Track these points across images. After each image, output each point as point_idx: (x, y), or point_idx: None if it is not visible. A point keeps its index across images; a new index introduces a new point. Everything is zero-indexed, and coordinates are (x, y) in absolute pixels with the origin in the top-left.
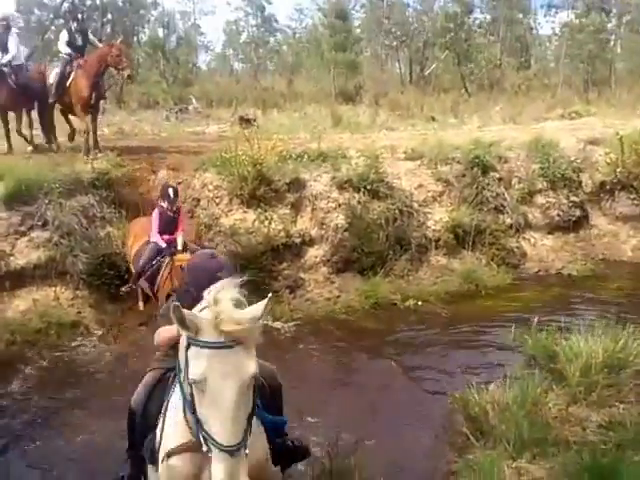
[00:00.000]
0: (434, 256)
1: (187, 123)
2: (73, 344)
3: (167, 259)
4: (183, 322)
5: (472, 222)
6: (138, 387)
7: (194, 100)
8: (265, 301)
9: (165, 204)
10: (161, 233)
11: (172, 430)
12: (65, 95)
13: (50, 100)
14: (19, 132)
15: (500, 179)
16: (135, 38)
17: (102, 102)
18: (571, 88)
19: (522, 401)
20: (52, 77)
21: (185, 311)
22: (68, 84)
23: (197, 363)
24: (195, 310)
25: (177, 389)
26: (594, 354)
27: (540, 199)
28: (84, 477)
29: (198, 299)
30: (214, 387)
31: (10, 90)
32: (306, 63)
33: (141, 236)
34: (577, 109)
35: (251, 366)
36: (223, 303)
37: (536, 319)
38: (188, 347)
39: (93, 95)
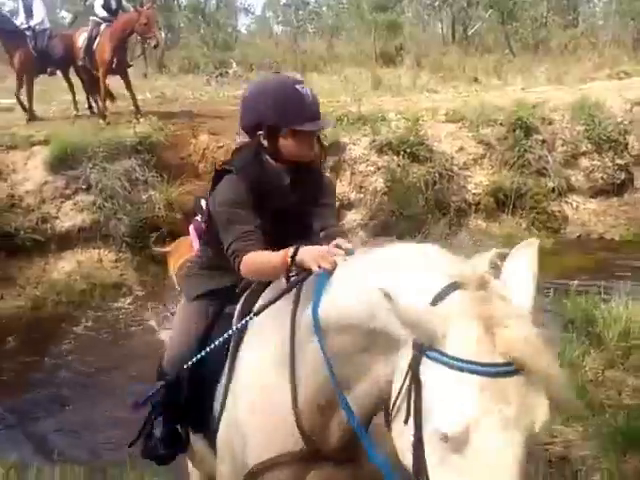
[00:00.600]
0: (473, 220)
1: (227, 87)
2: (116, 305)
3: None
4: (410, 319)
5: (513, 185)
6: (171, 339)
7: (234, 64)
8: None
9: (199, 217)
10: None
11: (261, 425)
12: (93, 59)
13: (79, 63)
14: (17, 97)
15: (543, 141)
16: (175, 2)
17: (129, 67)
18: (620, 47)
19: (558, 364)
20: (81, 40)
21: (405, 303)
22: (94, 48)
23: (449, 399)
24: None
25: (273, 344)
26: (633, 318)
27: (584, 162)
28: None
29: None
30: (484, 446)
31: (27, 54)
32: (346, 25)
33: (187, 253)
34: (625, 69)
35: (543, 408)
36: (492, 287)
37: (575, 283)
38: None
39: (115, 59)
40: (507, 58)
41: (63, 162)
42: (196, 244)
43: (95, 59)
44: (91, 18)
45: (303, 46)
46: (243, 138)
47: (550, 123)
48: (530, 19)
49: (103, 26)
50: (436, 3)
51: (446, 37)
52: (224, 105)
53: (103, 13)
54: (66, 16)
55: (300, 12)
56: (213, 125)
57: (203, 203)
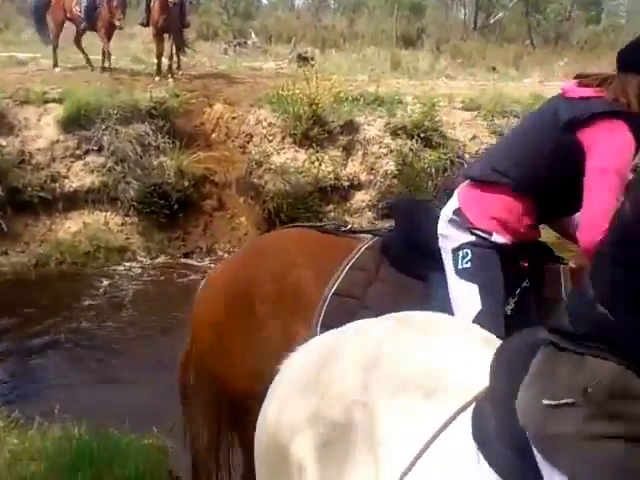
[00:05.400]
0: None
1: (245, 57)
2: (119, 268)
3: None
4: None
5: None
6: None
7: (253, 34)
8: None
9: None
10: None
11: None
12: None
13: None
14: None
15: None
16: None
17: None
18: None
19: None
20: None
21: None
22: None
23: None
24: None
25: None
26: None
27: None
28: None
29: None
30: None
31: None
32: (369, 2)
33: None
34: None
35: None
36: None
37: None
38: None
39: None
40: (527, 50)
41: (76, 122)
42: None
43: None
44: None
45: (324, 21)
46: None
47: None
48: (554, 12)
49: None
50: None
51: (468, 23)
52: (241, 75)
53: None
54: None
55: None
56: (228, 95)
57: None
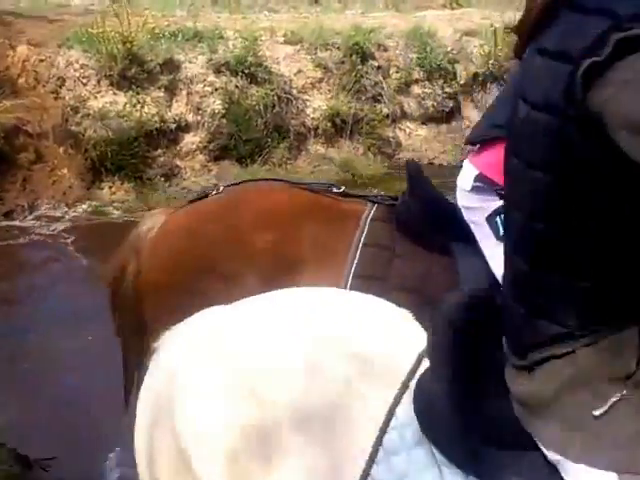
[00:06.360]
0: (312, 145)
1: None
2: None
3: None
4: None
5: (350, 111)
6: None
7: None
8: None
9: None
10: None
11: None
12: None
13: None
14: None
15: (379, 67)
16: None
17: None
18: None
19: None
20: None
21: None
22: None
23: None
24: None
25: None
26: None
27: (416, 89)
28: None
29: None
30: None
31: None
32: None
33: None
34: None
35: None
36: None
37: None
38: None
39: None
40: None
41: None
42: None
43: None
44: None
45: None
46: None
47: (385, 50)
48: None
49: None
50: None
51: None
52: (46, 13)
53: None
54: None
55: None
56: (33, 35)
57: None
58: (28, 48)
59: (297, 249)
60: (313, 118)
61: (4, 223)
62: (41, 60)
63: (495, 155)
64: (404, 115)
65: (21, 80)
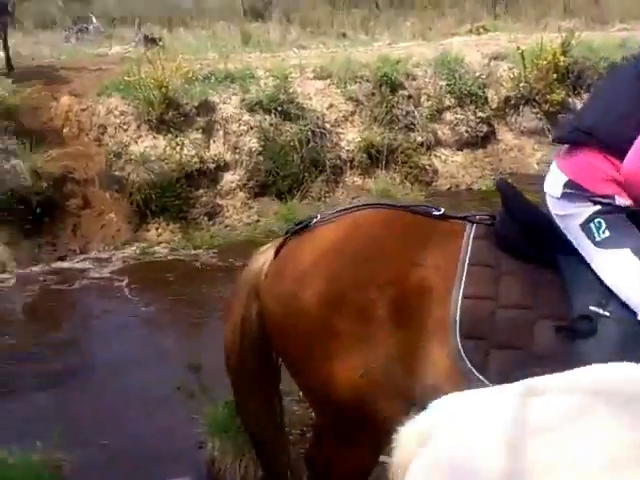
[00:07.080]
0: (349, 177)
1: (88, 44)
2: None
3: None
4: None
5: (384, 141)
6: None
7: (94, 18)
8: None
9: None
10: None
11: None
12: None
13: None
14: None
15: (409, 97)
16: None
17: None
18: (479, 2)
19: None
20: None
21: None
22: None
23: None
24: None
25: None
26: None
27: (449, 116)
28: None
29: None
30: None
31: None
32: None
33: None
34: (484, 24)
35: None
36: None
37: None
38: None
39: None
40: (374, 13)
41: None
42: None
43: None
44: None
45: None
46: None
47: (414, 79)
48: None
49: None
50: None
51: None
52: (85, 64)
53: None
54: None
55: None
56: (74, 86)
57: None
58: (70, 98)
59: (423, 274)
60: (348, 150)
61: (58, 265)
62: (83, 109)
63: (584, 161)
64: (438, 142)
65: (65, 130)
